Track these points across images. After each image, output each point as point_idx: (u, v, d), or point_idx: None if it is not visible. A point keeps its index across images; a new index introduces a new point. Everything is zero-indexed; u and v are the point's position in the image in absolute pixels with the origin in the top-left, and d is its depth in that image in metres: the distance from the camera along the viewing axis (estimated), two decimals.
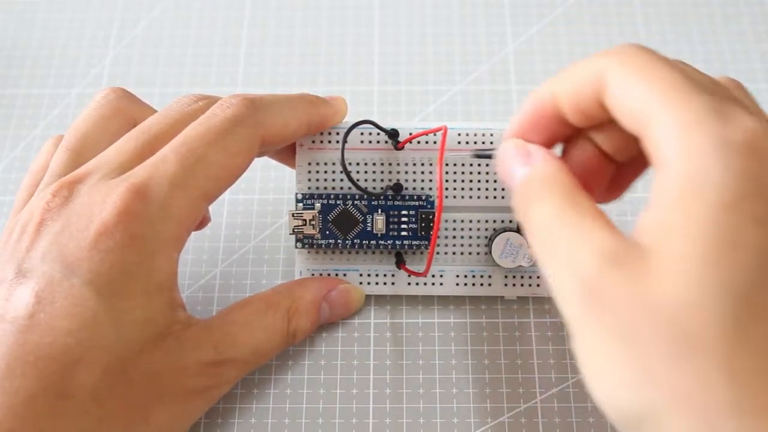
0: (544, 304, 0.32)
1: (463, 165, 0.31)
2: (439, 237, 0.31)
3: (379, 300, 0.32)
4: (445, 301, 0.32)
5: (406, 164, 0.30)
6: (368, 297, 0.32)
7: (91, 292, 0.24)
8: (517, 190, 0.23)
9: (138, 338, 0.25)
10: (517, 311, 0.32)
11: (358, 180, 0.30)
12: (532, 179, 0.22)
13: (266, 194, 0.36)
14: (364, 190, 0.29)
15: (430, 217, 0.30)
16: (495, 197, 0.31)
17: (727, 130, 0.19)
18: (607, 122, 0.23)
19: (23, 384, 0.23)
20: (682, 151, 0.19)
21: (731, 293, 0.17)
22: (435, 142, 0.30)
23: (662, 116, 0.19)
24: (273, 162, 0.34)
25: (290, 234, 0.30)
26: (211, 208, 0.33)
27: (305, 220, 0.30)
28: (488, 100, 0.38)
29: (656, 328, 0.18)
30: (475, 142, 0.30)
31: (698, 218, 0.18)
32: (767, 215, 0.18)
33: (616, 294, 0.18)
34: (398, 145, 0.30)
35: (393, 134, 0.30)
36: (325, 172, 0.30)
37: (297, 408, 0.30)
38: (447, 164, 0.30)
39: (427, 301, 0.32)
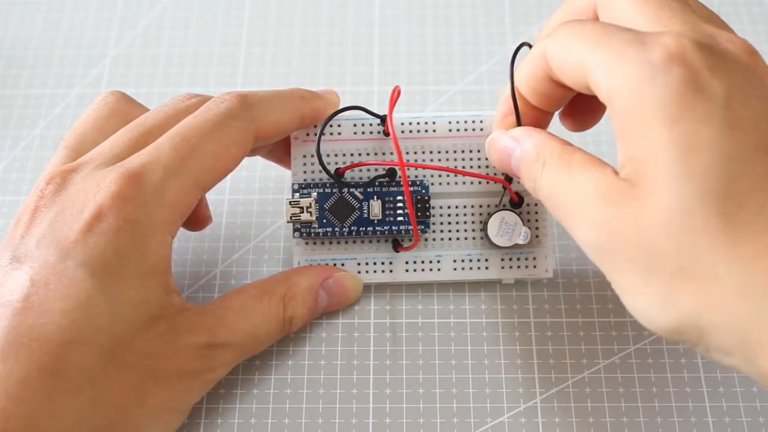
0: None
1: (455, 152, 0.31)
2: (434, 223, 0.31)
3: (379, 300, 0.32)
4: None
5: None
6: (368, 294, 0.32)
7: (85, 274, 0.24)
8: (521, 173, 0.25)
9: (132, 319, 0.25)
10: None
11: (352, 170, 0.31)
12: (526, 159, 0.25)
13: (266, 194, 0.36)
14: (332, 175, 0.30)
15: (426, 198, 0.31)
16: (488, 183, 0.31)
17: (648, 52, 0.21)
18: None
19: (17, 366, 0.23)
20: (616, 85, 0.21)
21: (710, 192, 0.19)
22: (426, 131, 0.31)
23: (592, 62, 0.22)
24: (272, 162, 0.34)
25: (288, 222, 0.30)
26: (211, 207, 0.33)
27: (302, 207, 0.30)
28: (488, 100, 0.38)
29: (655, 250, 0.20)
30: (465, 129, 0.31)
31: (655, 141, 0.20)
32: (709, 112, 0.20)
33: (619, 230, 0.21)
34: (384, 130, 0.31)
35: (383, 119, 0.31)
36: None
37: (297, 408, 0.30)
38: (440, 152, 0.31)
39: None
